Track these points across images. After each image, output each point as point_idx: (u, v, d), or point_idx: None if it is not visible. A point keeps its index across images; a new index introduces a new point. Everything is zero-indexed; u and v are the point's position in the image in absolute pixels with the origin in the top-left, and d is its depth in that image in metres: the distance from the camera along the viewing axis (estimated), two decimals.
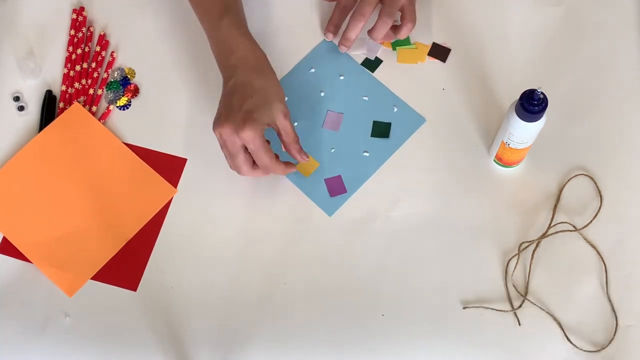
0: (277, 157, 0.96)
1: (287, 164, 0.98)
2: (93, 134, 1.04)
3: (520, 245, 0.97)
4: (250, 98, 0.93)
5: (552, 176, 1.00)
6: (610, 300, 0.94)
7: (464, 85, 1.05)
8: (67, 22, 1.11)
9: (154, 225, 1.00)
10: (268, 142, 0.96)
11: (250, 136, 0.91)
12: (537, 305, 0.94)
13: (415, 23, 1.03)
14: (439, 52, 1.07)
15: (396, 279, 0.96)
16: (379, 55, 1.08)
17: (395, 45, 1.08)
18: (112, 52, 1.09)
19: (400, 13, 1.03)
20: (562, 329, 0.93)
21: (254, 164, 0.95)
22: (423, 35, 1.08)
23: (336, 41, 1.07)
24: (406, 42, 1.08)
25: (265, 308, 0.96)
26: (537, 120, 0.90)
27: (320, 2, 1.09)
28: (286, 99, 0.99)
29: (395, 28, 1.04)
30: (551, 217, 0.98)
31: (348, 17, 1.06)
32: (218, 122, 0.93)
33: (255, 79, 0.95)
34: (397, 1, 1.01)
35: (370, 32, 1.03)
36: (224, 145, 0.94)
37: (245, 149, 0.94)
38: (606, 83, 1.05)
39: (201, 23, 1.03)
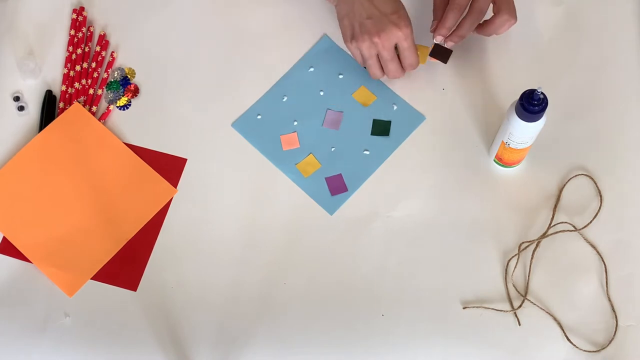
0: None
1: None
2: (93, 134, 1.04)
3: (520, 245, 0.97)
4: (387, 3, 0.97)
5: (552, 176, 1.00)
6: (610, 300, 0.94)
7: (464, 85, 1.05)
8: (67, 22, 1.11)
9: (154, 225, 1.00)
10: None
11: (407, 33, 0.96)
12: (537, 305, 0.94)
13: (515, 17, 0.98)
14: (441, 53, 1.07)
15: (396, 279, 0.96)
16: None
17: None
18: (112, 52, 1.09)
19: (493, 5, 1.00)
20: (562, 329, 0.93)
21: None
22: (424, 36, 1.07)
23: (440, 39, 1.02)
24: None
25: (266, 308, 0.96)
26: (537, 120, 0.90)
27: (319, 1, 1.09)
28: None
29: (483, 25, 1.01)
30: (551, 217, 0.98)
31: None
32: (368, 33, 0.96)
33: None
34: None
35: (457, 27, 0.99)
36: (374, 55, 0.98)
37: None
38: (606, 83, 1.05)
39: None
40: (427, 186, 1.01)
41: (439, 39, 1.01)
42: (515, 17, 0.99)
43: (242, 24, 1.10)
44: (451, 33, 1.00)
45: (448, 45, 1.01)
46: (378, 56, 0.99)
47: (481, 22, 1.00)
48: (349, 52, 1.02)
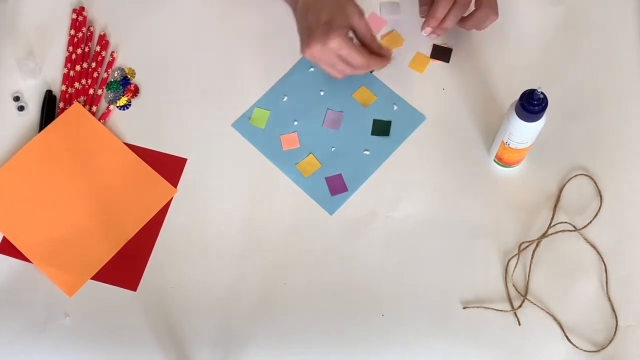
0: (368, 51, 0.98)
1: (382, 56, 0.98)
2: (93, 134, 1.04)
3: (520, 245, 0.97)
4: (323, 10, 0.95)
5: (552, 176, 1.00)
6: (610, 300, 0.94)
7: (464, 85, 1.05)
8: (67, 22, 1.11)
9: (154, 225, 1.00)
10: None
11: (337, 44, 0.93)
12: (537, 305, 0.94)
13: (496, 13, 0.99)
14: (441, 53, 1.07)
15: (396, 279, 0.96)
16: None
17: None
18: (112, 52, 1.09)
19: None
20: (562, 329, 0.93)
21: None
22: (422, 43, 1.08)
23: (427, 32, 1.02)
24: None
25: (266, 308, 0.96)
26: (537, 120, 0.90)
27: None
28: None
29: (465, 20, 1.01)
30: (551, 217, 0.98)
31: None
32: (305, 45, 0.95)
33: None
34: None
35: (442, 20, 0.99)
36: (320, 63, 0.96)
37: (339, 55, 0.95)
38: (606, 83, 1.05)
39: None
40: (427, 186, 1.01)
41: (427, 31, 1.01)
42: (497, 13, 0.99)
43: (242, 23, 1.10)
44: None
45: (431, 37, 1.02)
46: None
47: (465, 14, 1.01)
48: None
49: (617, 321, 0.93)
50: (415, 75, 1.06)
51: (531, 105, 0.88)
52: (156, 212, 1.00)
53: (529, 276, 0.95)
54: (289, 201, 1.00)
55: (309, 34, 0.95)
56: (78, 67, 1.07)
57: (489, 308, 0.94)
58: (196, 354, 0.94)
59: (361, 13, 0.96)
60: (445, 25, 1.00)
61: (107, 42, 1.10)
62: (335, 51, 0.94)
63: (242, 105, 1.05)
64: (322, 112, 1.05)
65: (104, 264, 0.98)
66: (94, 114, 1.05)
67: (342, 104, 1.05)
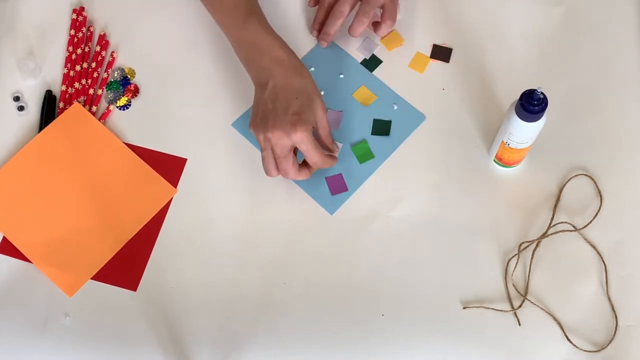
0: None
1: (331, 156, 0.98)
2: (93, 134, 1.04)
3: (520, 245, 0.97)
4: (295, 100, 0.93)
5: (552, 176, 1.00)
6: (610, 300, 0.94)
7: (463, 85, 1.05)
8: (67, 22, 1.11)
9: (154, 225, 1.00)
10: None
11: (302, 137, 0.92)
12: (537, 305, 0.94)
13: (394, 22, 1.04)
14: (441, 53, 1.07)
15: (396, 279, 0.96)
16: (378, 56, 1.08)
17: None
18: (112, 52, 1.09)
19: (381, 10, 1.04)
20: (562, 329, 0.93)
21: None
22: (421, 43, 1.08)
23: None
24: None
25: (266, 307, 0.96)
26: (537, 120, 0.90)
27: (318, 2, 1.09)
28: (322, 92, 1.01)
29: (376, 25, 1.05)
30: (551, 217, 0.98)
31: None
32: (264, 126, 0.93)
33: (294, 78, 0.95)
34: (376, 0, 1.02)
35: (349, 29, 1.04)
36: (269, 149, 0.94)
37: (292, 151, 0.94)
38: (606, 83, 1.05)
39: (223, 27, 1.02)
40: (427, 186, 1.01)
41: (314, 34, 1.07)
42: (394, 20, 1.04)
43: None
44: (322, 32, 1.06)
45: (322, 45, 1.07)
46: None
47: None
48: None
49: (617, 321, 0.93)
50: (415, 75, 1.06)
51: (531, 105, 0.88)
52: (156, 212, 1.00)
53: (529, 276, 0.95)
54: (289, 201, 1.00)
55: (273, 117, 0.92)
56: (78, 67, 1.07)
57: (489, 308, 0.94)
58: (196, 354, 0.94)
59: (325, 109, 0.96)
60: (331, 32, 1.05)
61: (107, 42, 1.10)
62: (296, 144, 0.93)
63: (242, 105, 1.05)
64: None
65: (104, 264, 0.98)
66: (94, 114, 1.05)
67: (342, 104, 1.05)
